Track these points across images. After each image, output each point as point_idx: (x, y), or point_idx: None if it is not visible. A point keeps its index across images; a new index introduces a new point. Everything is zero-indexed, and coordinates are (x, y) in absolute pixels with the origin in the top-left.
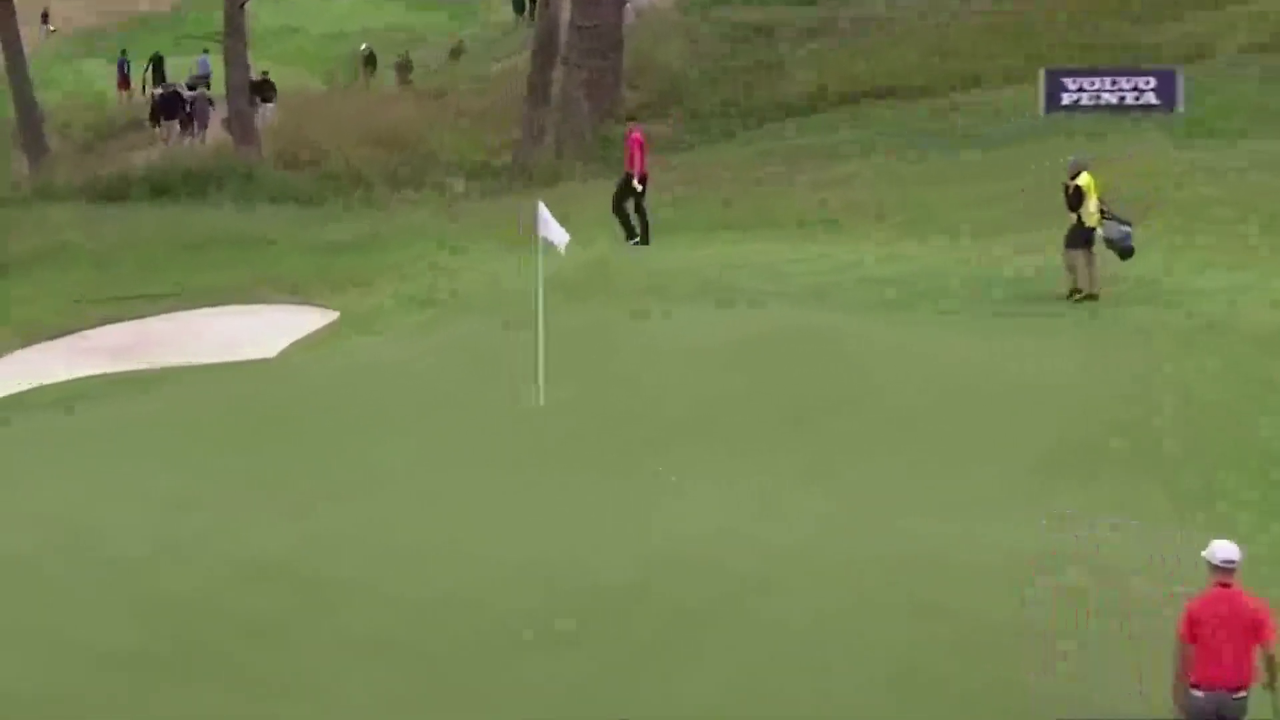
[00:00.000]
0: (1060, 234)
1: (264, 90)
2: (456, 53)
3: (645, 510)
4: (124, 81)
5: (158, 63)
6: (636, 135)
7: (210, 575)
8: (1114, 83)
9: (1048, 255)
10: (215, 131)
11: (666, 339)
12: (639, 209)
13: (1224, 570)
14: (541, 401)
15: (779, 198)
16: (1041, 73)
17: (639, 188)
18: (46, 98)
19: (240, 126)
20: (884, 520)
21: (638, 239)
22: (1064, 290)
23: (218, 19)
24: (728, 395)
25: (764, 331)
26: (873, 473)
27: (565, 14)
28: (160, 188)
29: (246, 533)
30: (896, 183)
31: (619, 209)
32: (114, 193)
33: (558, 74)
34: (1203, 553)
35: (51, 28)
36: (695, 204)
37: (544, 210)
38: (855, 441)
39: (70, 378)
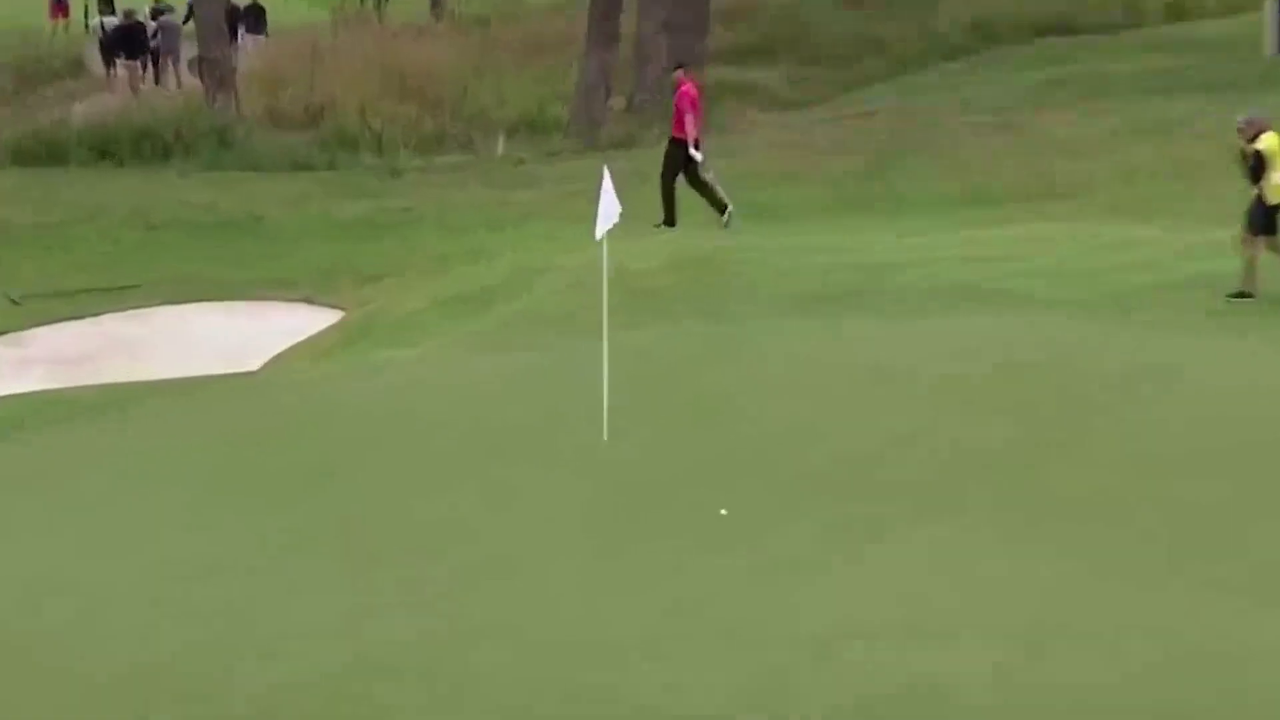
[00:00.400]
0: None
1: (250, 18)
2: None
3: (867, 613)
4: (59, 9)
5: None
6: (688, 88)
7: (230, 706)
8: None
9: None
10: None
11: (845, 364)
12: (696, 182)
13: None
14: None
15: (937, 166)
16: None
17: (698, 156)
18: None
19: (213, 73)
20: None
21: (670, 223)
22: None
23: None
24: (957, 444)
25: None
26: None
27: None
28: (108, 149)
29: (277, 645)
30: (1078, 145)
31: (696, 183)
32: (51, 155)
33: (629, 5)
34: None
35: None
36: (811, 179)
37: (608, 179)
38: (1219, 513)
39: (4, 393)
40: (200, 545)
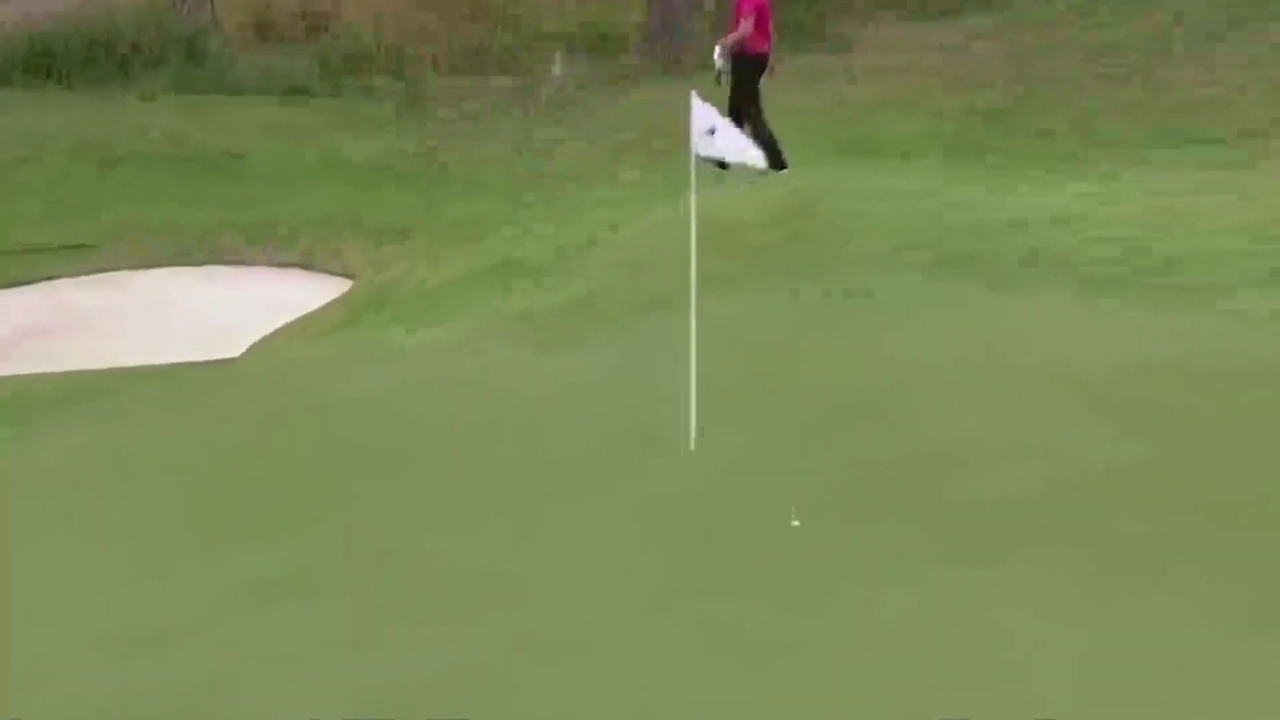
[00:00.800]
0: None
1: None
2: None
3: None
4: None
5: None
6: None
7: None
8: None
9: None
10: None
11: (958, 357)
12: (742, 110)
13: None
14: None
15: (1118, 90)
16: None
17: (718, 63)
18: None
19: None
20: None
21: (776, 165)
22: None
23: None
24: (1087, 467)
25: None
26: None
27: None
28: (50, 66)
29: (264, 690)
30: None
31: (751, 118)
32: None
33: None
34: None
35: None
36: (943, 108)
37: (701, 107)
38: None
39: None
40: (159, 600)
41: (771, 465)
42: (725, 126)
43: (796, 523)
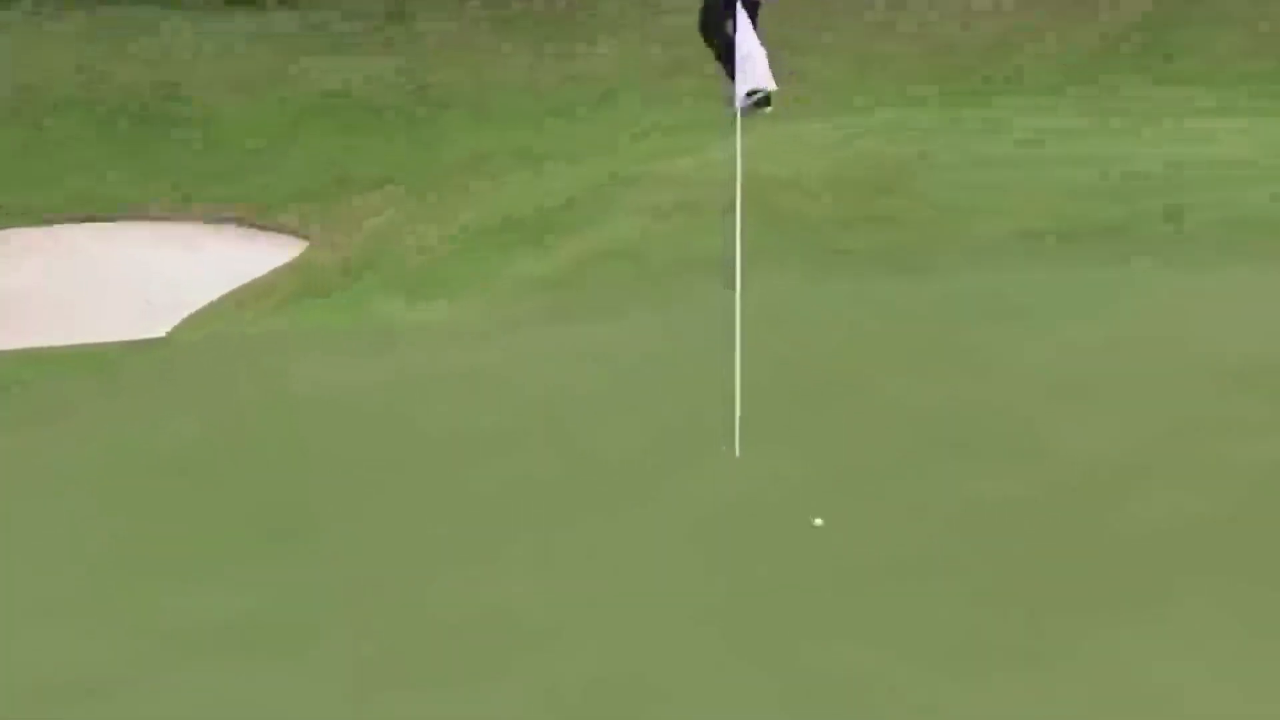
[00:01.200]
0: None
1: None
2: None
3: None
4: None
5: None
6: None
7: None
8: None
9: None
10: None
11: (1097, 344)
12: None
13: None
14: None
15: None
16: None
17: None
18: None
19: None
20: None
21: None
22: None
23: None
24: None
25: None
26: None
27: None
28: None
29: None
30: None
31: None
32: None
33: None
34: None
35: None
36: (1046, 41)
37: (743, 31)
38: None
39: None
40: (82, 646)
41: (849, 494)
42: (749, 57)
43: (818, 521)
